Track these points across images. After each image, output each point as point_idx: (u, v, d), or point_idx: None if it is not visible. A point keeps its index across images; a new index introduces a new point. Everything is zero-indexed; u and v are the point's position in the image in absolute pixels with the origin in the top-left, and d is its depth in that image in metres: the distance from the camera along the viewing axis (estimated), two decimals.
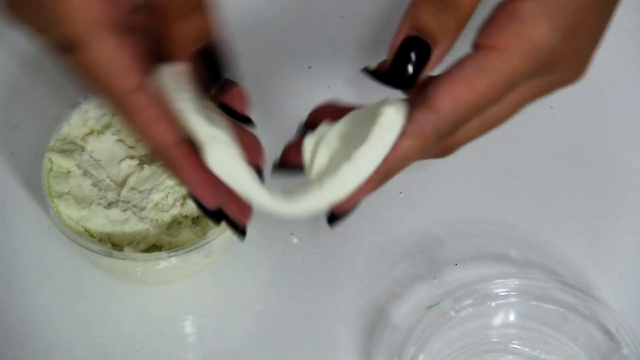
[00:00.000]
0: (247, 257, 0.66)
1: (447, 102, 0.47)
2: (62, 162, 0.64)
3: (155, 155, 0.50)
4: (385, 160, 0.48)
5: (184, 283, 0.66)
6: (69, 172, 0.64)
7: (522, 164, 0.71)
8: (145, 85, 0.48)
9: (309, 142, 0.51)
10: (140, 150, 0.67)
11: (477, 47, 0.48)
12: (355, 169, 0.47)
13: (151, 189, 0.64)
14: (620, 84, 0.75)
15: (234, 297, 0.65)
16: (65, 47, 0.47)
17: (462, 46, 0.49)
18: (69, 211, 0.62)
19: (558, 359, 0.62)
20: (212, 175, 0.49)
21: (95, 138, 0.66)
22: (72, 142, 0.66)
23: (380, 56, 0.50)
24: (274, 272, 0.66)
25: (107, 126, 0.67)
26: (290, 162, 0.52)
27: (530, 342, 0.62)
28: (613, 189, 0.70)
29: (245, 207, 0.51)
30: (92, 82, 0.48)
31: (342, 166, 0.48)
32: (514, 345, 0.62)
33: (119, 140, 0.67)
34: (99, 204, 0.63)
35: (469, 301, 0.61)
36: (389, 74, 0.48)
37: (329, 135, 0.51)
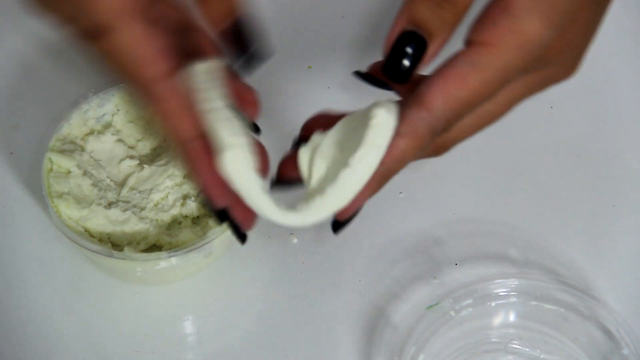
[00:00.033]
0: (247, 257, 0.66)
1: (440, 99, 0.47)
2: (62, 162, 0.64)
3: (173, 145, 0.50)
4: (383, 163, 0.48)
5: (184, 283, 0.66)
6: (69, 172, 0.64)
7: (522, 164, 0.71)
8: (170, 74, 0.48)
9: (304, 154, 0.51)
10: (140, 150, 0.67)
11: (469, 43, 0.47)
12: (354, 174, 0.47)
13: (151, 189, 0.64)
14: (620, 84, 0.75)
15: (234, 297, 0.65)
16: (93, 34, 0.48)
17: (455, 43, 0.49)
18: (69, 211, 0.62)
19: (558, 359, 0.62)
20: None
21: (95, 138, 0.66)
22: (72, 142, 0.66)
23: (381, 56, 0.50)
24: (274, 272, 0.66)
25: (107, 126, 0.67)
26: (287, 176, 0.52)
27: (530, 342, 0.62)
28: (613, 189, 0.70)
29: (250, 214, 0.51)
30: (118, 70, 0.48)
31: (340, 173, 0.48)
32: (514, 345, 0.62)
33: (119, 140, 0.67)
34: (99, 204, 0.63)
35: (469, 301, 0.61)
36: (385, 68, 0.48)
37: (323, 145, 0.50)
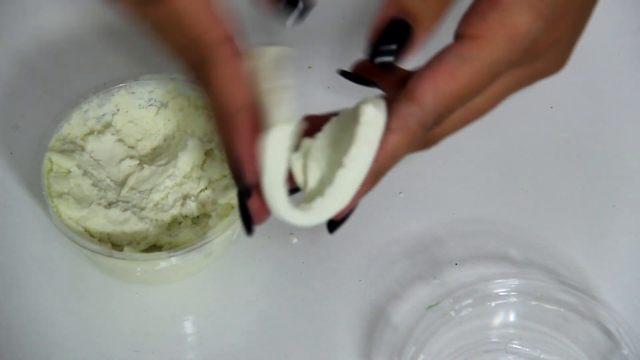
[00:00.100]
0: (247, 257, 0.66)
1: (430, 94, 0.47)
2: (62, 162, 0.64)
3: (217, 114, 0.50)
4: (376, 160, 0.47)
5: (184, 283, 0.66)
6: (69, 172, 0.64)
7: (522, 164, 0.71)
8: (229, 40, 0.48)
9: (297, 161, 0.51)
10: (140, 150, 0.67)
11: (459, 37, 0.47)
12: (350, 173, 0.47)
13: (151, 189, 0.64)
14: (620, 84, 0.75)
15: (234, 297, 0.65)
16: None
17: (445, 37, 0.49)
18: (69, 211, 0.62)
19: (558, 359, 0.62)
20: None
21: (95, 138, 0.66)
22: (72, 142, 0.66)
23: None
24: (274, 272, 0.66)
25: (107, 126, 0.67)
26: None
27: (530, 342, 0.62)
28: (613, 189, 0.70)
29: (265, 210, 0.51)
30: (177, 35, 0.48)
31: (337, 174, 0.48)
32: (514, 345, 0.62)
33: (119, 140, 0.67)
34: (99, 204, 0.63)
35: (469, 301, 0.61)
36: (370, 54, 0.48)
37: (314, 149, 0.50)
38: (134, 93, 0.67)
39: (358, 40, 0.78)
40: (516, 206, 0.69)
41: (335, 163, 0.48)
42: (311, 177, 0.50)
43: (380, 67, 0.49)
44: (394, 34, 0.47)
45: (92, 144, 0.66)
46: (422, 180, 0.70)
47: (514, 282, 0.62)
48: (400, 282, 0.66)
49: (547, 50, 0.49)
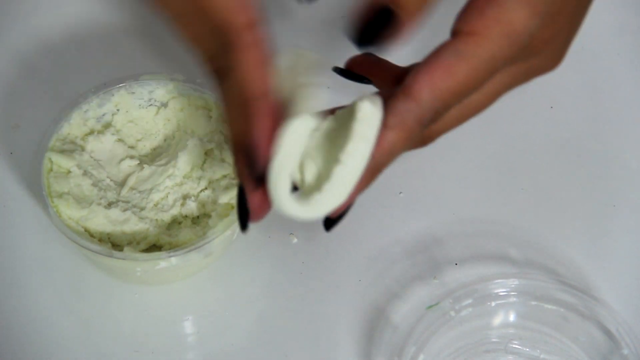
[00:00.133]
0: (247, 257, 0.66)
1: (427, 90, 0.47)
2: (62, 162, 0.64)
3: (237, 99, 0.49)
4: (373, 157, 0.47)
5: (184, 283, 0.66)
6: (69, 172, 0.64)
7: (522, 164, 0.71)
8: (255, 25, 0.48)
9: None
10: (140, 150, 0.67)
11: (456, 33, 0.47)
12: (347, 169, 0.47)
13: (151, 189, 0.64)
14: (620, 84, 0.75)
15: (234, 297, 0.65)
16: None
17: (442, 34, 0.48)
18: (69, 211, 0.62)
19: (558, 359, 0.62)
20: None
21: (95, 138, 0.66)
22: (72, 142, 0.66)
23: (381, 56, 0.50)
24: (274, 272, 0.66)
25: (107, 126, 0.67)
26: None
27: (530, 342, 0.62)
28: (613, 189, 0.70)
29: (264, 206, 0.51)
30: (202, 20, 0.48)
31: (334, 170, 0.47)
32: (514, 345, 0.62)
33: (119, 140, 0.67)
34: (99, 204, 0.63)
35: (469, 301, 0.61)
36: (356, 41, 0.48)
37: (311, 147, 0.50)
38: (134, 93, 0.67)
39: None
40: (516, 206, 0.69)
41: (332, 160, 0.48)
42: (308, 175, 0.50)
43: (366, 55, 0.48)
44: (377, 19, 0.47)
45: (92, 144, 0.66)
46: (422, 180, 0.70)
47: (514, 282, 0.62)
48: (400, 282, 0.66)
49: (544, 46, 0.49)
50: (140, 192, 0.64)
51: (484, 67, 0.47)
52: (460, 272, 0.66)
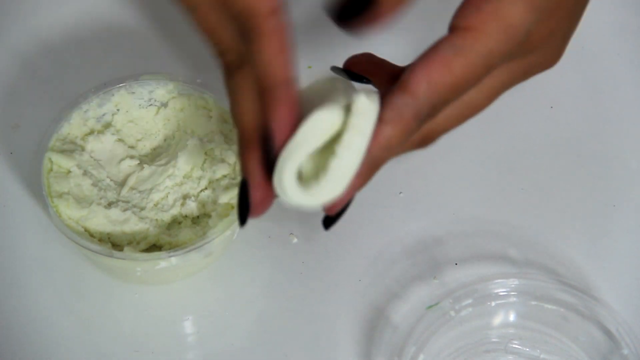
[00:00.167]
0: (247, 257, 0.66)
1: (424, 84, 0.47)
2: (62, 162, 0.64)
3: (252, 88, 0.49)
4: (369, 151, 0.47)
5: (184, 283, 0.66)
6: (69, 172, 0.64)
7: (522, 164, 0.71)
8: (278, 12, 0.47)
9: None
10: (140, 150, 0.67)
11: (453, 28, 0.47)
12: (343, 161, 0.47)
13: (151, 189, 0.64)
14: (620, 84, 0.75)
15: (234, 297, 0.65)
16: None
17: (440, 30, 0.49)
18: (69, 211, 0.62)
19: (558, 359, 0.62)
20: (295, 127, 0.48)
21: (95, 138, 0.66)
22: (72, 142, 0.66)
23: (381, 56, 0.50)
24: (274, 272, 0.66)
25: (107, 126, 0.67)
26: None
27: (530, 342, 0.62)
28: (613, 189, 0.70)
29: (267, 201, 0.50)
30: (223, 7, 0.47)
31: (330, 162, 0.47)
32: (514, 345, 0.62)
33: (119, 140, 0.67)
34: (99, 204, 0.63)
35: (469, 301, 0.61)
36: (334, 17, 0.48)
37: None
38: (134, 93, 0.67)
39: (359, 41, 0.79)
40: (516, 206, 0.69)
41: (329, 152, 0.48)
42: (306, 166, 0.50)
43: (366, 55, 0.48)
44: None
45: (92, 144, 0.66)
46: (422, 180, 0.70)
47: (514, 282, 0.62)
48: (400, 282, 0.66)
49: (542, 43, 0.49)
50: (140, 192, 0.64)
51: (481, 62, 0.47)
52: (460, 272, 0.66)
